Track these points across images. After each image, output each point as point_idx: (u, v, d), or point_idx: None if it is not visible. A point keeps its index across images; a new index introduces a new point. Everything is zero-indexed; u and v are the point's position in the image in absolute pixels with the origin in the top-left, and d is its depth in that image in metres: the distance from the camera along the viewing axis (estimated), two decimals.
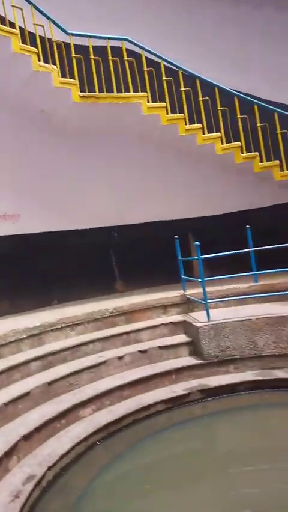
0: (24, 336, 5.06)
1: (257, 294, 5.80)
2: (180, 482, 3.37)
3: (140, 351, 5.27)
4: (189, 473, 3.50)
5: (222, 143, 6.68)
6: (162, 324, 5.75)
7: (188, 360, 5.23)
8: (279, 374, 4.77)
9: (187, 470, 3.55)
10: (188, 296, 6.06)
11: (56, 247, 6.86)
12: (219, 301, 5.85)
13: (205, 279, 5.42)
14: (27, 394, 4.15)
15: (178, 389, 4.82)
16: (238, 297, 5.85)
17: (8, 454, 3.29)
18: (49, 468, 3.36)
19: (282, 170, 6.50)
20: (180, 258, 6.40)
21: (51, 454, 3.57)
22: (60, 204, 6.90)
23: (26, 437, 3.60)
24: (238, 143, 6.60)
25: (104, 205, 7.23)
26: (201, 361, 5.11)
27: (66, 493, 3.23)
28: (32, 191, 6.61)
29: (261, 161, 6.59)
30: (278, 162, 6.50)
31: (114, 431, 4.17)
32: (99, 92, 6.25)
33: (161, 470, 3.60)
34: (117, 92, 6.36)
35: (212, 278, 5.66)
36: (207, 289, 5.63)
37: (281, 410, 4.40)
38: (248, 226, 6.29)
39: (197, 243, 5.51)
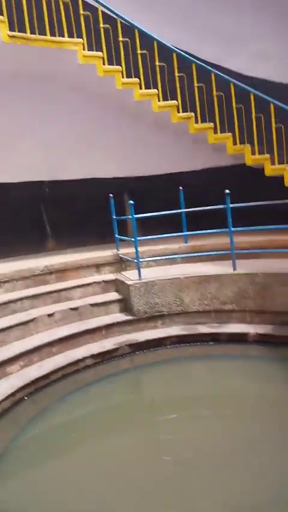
0: None
1: (186, 254, 6.01)
2: (106, 432, 3.54)
3: (71, 308, 5.28)
4: (116, 423, 3.67)
5: (159, 101, 6.57)
6: (95, 282, 5.78)
7: (118, 317, 5.36)
8: (202, 329, 5.08)
9: (114, 421, 3.72)
10: (121, 255, 6.11)
11: None
12: (151, 260, 5.99)
13: (138, 238, 5.48)
14: None
15: (108, 344, 4.96)
16: (168, 257, 6.03)
17: None
18: None
19: (216, 133, 6.59)
20: (114, 217, 6.38)
21: None
22: None
23: None
24: (175, 101, 6.54)
25: (35, 159, 6.90)
26: (131, 317, 5.27)
27: None
28: None
29: (197, 122, 6.61)
30: (212, 125, 6.57)
31: (42, 386, 4.22)
32: (31, 34, 5.76)
33: (88, 421, 3.74)
34: (51, 36, 5.91)
35: (144, 238, 5.75)
36: (140, 249, 5.72)
37: (202, 362, 4.72)
38: (181, 188, 6.39)
39: (131, 202, 5.51)
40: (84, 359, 4.67)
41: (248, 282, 5.04)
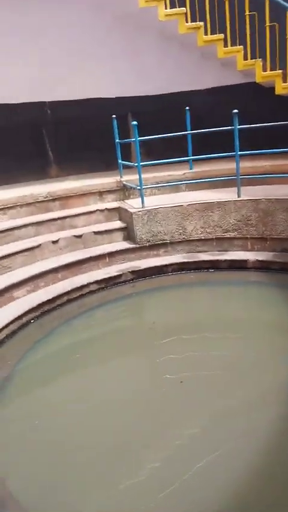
0: None
1: (191, 180, 5.87)
2: (110, 353, 3.73)
3: (74, 236, 5.35)
4: (119, 345, 3.86)
5: (166, 9, 5.96)
6: (98, 210, 5.76)
7: (121, 245, 5.43)
8: (203, 256, 5.14)
9: (117, 343, 3.91)
10: (124, 182, 6.00)
11: None
12: (154, 187, 5.89)
13: (141, 163, 5.33)
14: None
15: (111, 271, 5.09)
16: (172, 183, 5.90)
17: None
18: None
19: (226, 46, 6.05)
20: (117, 140, 6.15)
21: None
22: None
23: None
24: (183, 9, 5.92)
25: (34, 78, 6.51)
26: (134, 245, 5.33)
27: (1, 365, 3.50)
28: None
29: (206, 34, 6.04)
30: (222, 36, 6.00)
31: (48, 309, 4.42)
32: None
33: (92, 343, 3.95)
34: None
35: (148, 163, 5.58)
36: (144, 176, 5.60)
37: (203, 288, 4.85)
38: (187, 108, 6.04)
39: (134, 122, 5.26)
40: (88, 284, 4.83)
41: (252, 209, 4.97)
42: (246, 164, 5.63)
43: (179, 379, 3.10)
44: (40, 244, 5.07)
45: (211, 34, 6.08)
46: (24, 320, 4.15)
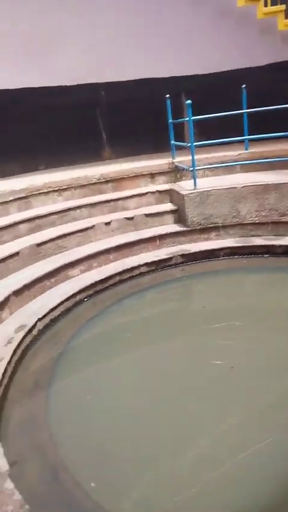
0: (11, 198, 5.09)
1: (246, 161, 5.67)
2: (160, 334, 3.77)
3: (126, 218, 5.39)
4: (169, 326, 3.88)
5: None
6: (149, 192, 5.75)
7: (172, 228, 5.40)
8: (257, 241, 4.99)
9: (167, 324, 3.92)
10: (176, 164, 5.92)
11: (41, 106, 6.41)
12: (207, 168, 5.76)
13: (195, 143, 5.21)
14: (16, 254, 4.37)
15: (161, 253, 5.08)
16: (226, 164, 5.74)
17: (0, 306, 3.62)
18: (39, 319, 3.74)
19: (287, 18, 5.69)
20: (170, 120, 6.05)
21: (42, 308, 3.92)
22: (40, 56, 6.20)
23: (17, 293, 3.90)
24: None
25: (89, 59, 6.53)
26: (185, 228, 5.28)
27: (55, 341, 3.65)
28: (8, 43, 5.87)
29: (266, 5, 5.71)
30: (283, 7, 5.64)
31: (100, 289, 4.52)
32: None
33: (142, 323, 4.00)
34: None
35: (201, 143, 5.45)
36: (197, 157, 5.49)
37: (256, 274, 4.71)
38: (243, 86, 5.80)
39: (188, 101, 5.14)
40: (139, 266, 4.86)
41: None
42: None
43: (229, 365, 3.06)
44: (93, 226, 5.17)
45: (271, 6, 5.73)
46: (78, 298, 4.28)
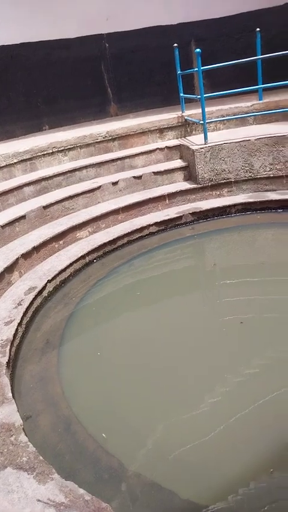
0: (15, 161, 4.97)
1: (259, 112, 5.36)
2: (170, 292, 3.72)
3: (134, 177, 5.22)
4: (179, 285, 3.83)
5: None
6: (158, 149, 5.53)
7: (182, 185, 5.22)
8: (272, 195, 4.79)
9: (177, 283, 3.88)
10: (186, 117, 5.64)
11: (42, 61, 6.11)
12: (219, 120, 5.49)
13: (205, 95, 4.93)
14: (23, 217, 4.30)
15: (171, 212, 4.94)
16: (238, 116, 5.44)
17: (9, 269, 3.59)
18: (49, 281, 3.71)
19: None
20: (179, 71, 5.71)
21: (51, 270, 3.89)
22: (41, 8, 5.84)
23: (26, 256, 3.87)
24: None
25: (90, 8, 6.13)
26: (195, 185, 5.09)
27: (66, 301, 3.64)
28: None
29: None
30: None
31: (109, 250, 4.46)
32: None
33: (152, 282, 3.95)
34: None
35: (212, 94, 5.16)
36: (208, 109, 5.22)
37: (269, 229, 4.55)
38: (258, 29, 5.37)
39: (197, 50, 4.80)
40: (148, 226, 4.75)
41: None
42: None
43: (239, 320, 3.00)
44: (100, 186, 5.03)
45: None
46: (87, 259, 4.23)
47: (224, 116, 5.50)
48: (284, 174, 4.81)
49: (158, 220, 4.78)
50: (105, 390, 2.62)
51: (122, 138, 5.59)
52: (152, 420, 2.34)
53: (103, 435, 2.24)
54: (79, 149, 5.42)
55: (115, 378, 2.72)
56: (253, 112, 5.44)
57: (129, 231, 4.64)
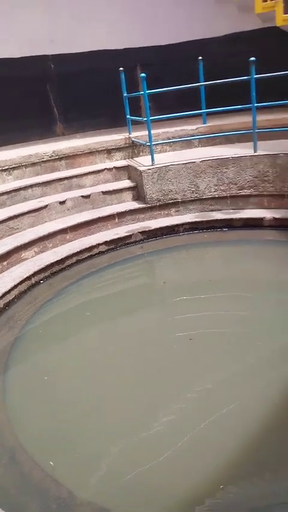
0: None
1: (204, 135, 5.58)
2: (120, 311, 3.66)
3: (82, 196, 5.16)
4: (129, 303, 3.79)
5: None
6: (106, 169, 5.54)
7: (131, 205, 5.24)
8: (217, 215, 4.94)
9: (127, 302, 3.83)
10: (133, 139, 5.73)
11: None
12: (165, 142, 5.62)
13: (151, 118, 5.04)
14: None
15: (120, 231, 4.93)
16: (184, 139, 5.62)
17: None
18: None
19: None
20: (125, 94, 5.82)
21: None
22: None
23: None
24: None
25: (36, 29, 6.13)
26: (144, 205, 5.13)
27: (11, 325, 3.44)
28: None
29: None
30: None
31: (57, 270, 4.32)
32: None
33: (102, 302, 3.88)
34: None
35: (158, 117, 5.28)
36: (154, 131, 5.33)
37: (216, 248, 4.67)
38: (200, 58, 5.65)
39: (142, 74, 4.94)
40: (97, 245, 4.69)
41: (269, 165, 4.71)
42: (263, 118, 5.30)
43: (189, 336, 3.00)
44: (47, 205, 4.91)
45: None
46: (34, 280, 4.06)
47: (170, 139, 5.65)
48: (228, 195, 4.99)
49: (108, 239, 4.74)
50: (52, 416, 2.48)
51: (69, 158, 5.54)
52: (103, 444, 2.24)
53: (51, 463, 2.10)
54: (24, 168, 5.29)
55: (63, 403, 2.59)
56: (198, 135, 5.65)
57: (78, 250, 4.55)
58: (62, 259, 4.38)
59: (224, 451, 2.07)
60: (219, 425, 2.23)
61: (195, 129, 5.73)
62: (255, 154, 4.78)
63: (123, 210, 5.12)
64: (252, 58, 4.52)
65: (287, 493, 1.88)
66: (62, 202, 5.01)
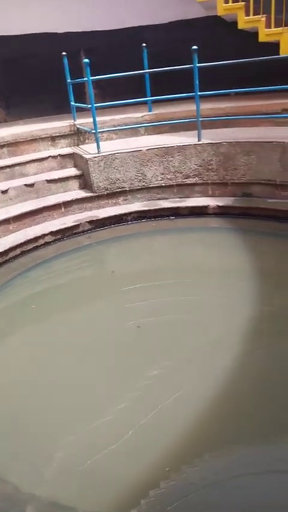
0: None
1: (149, 123, 5.56)
2: (67, 302, 3.60)
3: (26, 185, 4.98)
4: (76, 294, 3.73)
5: None
6: (50, 156, 5.37)
7: (78, 194, 5.13)
8: (164, 204, 4.97)
9: (74, 292, 3.77)
10: (78, 126, 5.59)
11: None
12: (111, 130, 5.55)
13: (96, 105, 4.94)
14: None
15: (67, 221, 4.83)
16: (129, 126, 5.57)
17: None
18: None
19: None
20: (69, 80, 5.65)
21: None
22: None
23: None
24: None
25: None
26: (91, 194, 5.05)
27: None
28: None
29: None
30: None
31: (0, 262, 4.16)
32: None
33: (49, 293, 3.78)
34: None
35: (103, 104, 5.20)
36: (100, 119, 5.25)
37: (163, 236, 4.70)
38: (144, 45, 5.59)
39: (86, 60, 4.81)
40: (43, 235, 4.56)
41: (212, 153, 4.79)
42: (208, 106, 5.38)
43: (137, 324, 3.02)
44: None
45: None
46: None
47: (116, 126, 5.58)
48: (174, 183, 5.03)
49: (54, 230, 4.63)
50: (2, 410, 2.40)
51: (12, 145, 5.31)
52: (50, 436, 2.21)
53: None
54: None
55: (10, 398, 2.52)
56: (144, 123, 5.62)
57: (23, 241, 4.40)
58: (5, 250, 4.21)
59: (170, 436, 2.11)
60: (165, 410, 2.26)
61: (141, 117, 5.71)
62: (199, 142, 4.85)
63: (69, 199, 5.01)
64: (195, 47, 4.54)
65: (224, 472, 1.96)
66: (4, 192, 4.80)
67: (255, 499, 1.80)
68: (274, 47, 5.21)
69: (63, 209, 4.95)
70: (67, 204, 4.97)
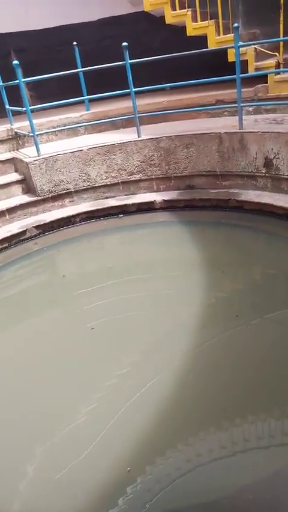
0: None
1: (88, 122, 5.53)
2: (19, 311, 3.54)
3: None
4: (27, 302, 3.67)
5: None
6: None
7: (22, 199, 5.01)
8: (111, 202, 4.98)
9: (26, 301, 3.71)
10: (15, 130, 5.45)
11: None
12: (50, 131, 5.45)
13: (31, 107, 4.84)
14: None
15: (13, 228, 4.71)
16: (68, 127, 5.51)
17: None
18: None
19: None
20: (0, 83, 5.48)
21: None
22: None
23: None
24: None
25: None
26: (36, 198, 4.95)
27: None
28: None
29: None
30: None
31: None
32: None
33: (3, 304, 3.68)
34: None
35: (38, 106, 5.11)
36: (37, 121, 5.15)
37: (114, 234, 4.71)
38: (75, 43, 5.53)
39: (15, 62, 4.69)
40: None
41: (153, 149, 4.84)
42: (146, 101, 5.42)
43: (90, 326, 3.02)
44: None
45: None
46: None
47: (55, 128, 5.49)
48: (119, 181, 5.05)
49: (0, 238, 4.50)
50: None
51: None
52: (15, 448, 2.17)
53: None
54: None
55: None
56: (83, 122, 5.57)
57: None
58: None
59: (130, 436, 2.14)
60: (123, 409, 2.29)
61: (80, 116, 5.65)
62: (140, 139, 4.88)
63: (13, 205, 4.88)
64: (125, 43, 4.55)
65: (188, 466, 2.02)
66: None
67: (219, 481, 1.87)
68: (203, 40, 5.32)
69: (7, 216, 4.82)
70: (11, 210, 4.84)
